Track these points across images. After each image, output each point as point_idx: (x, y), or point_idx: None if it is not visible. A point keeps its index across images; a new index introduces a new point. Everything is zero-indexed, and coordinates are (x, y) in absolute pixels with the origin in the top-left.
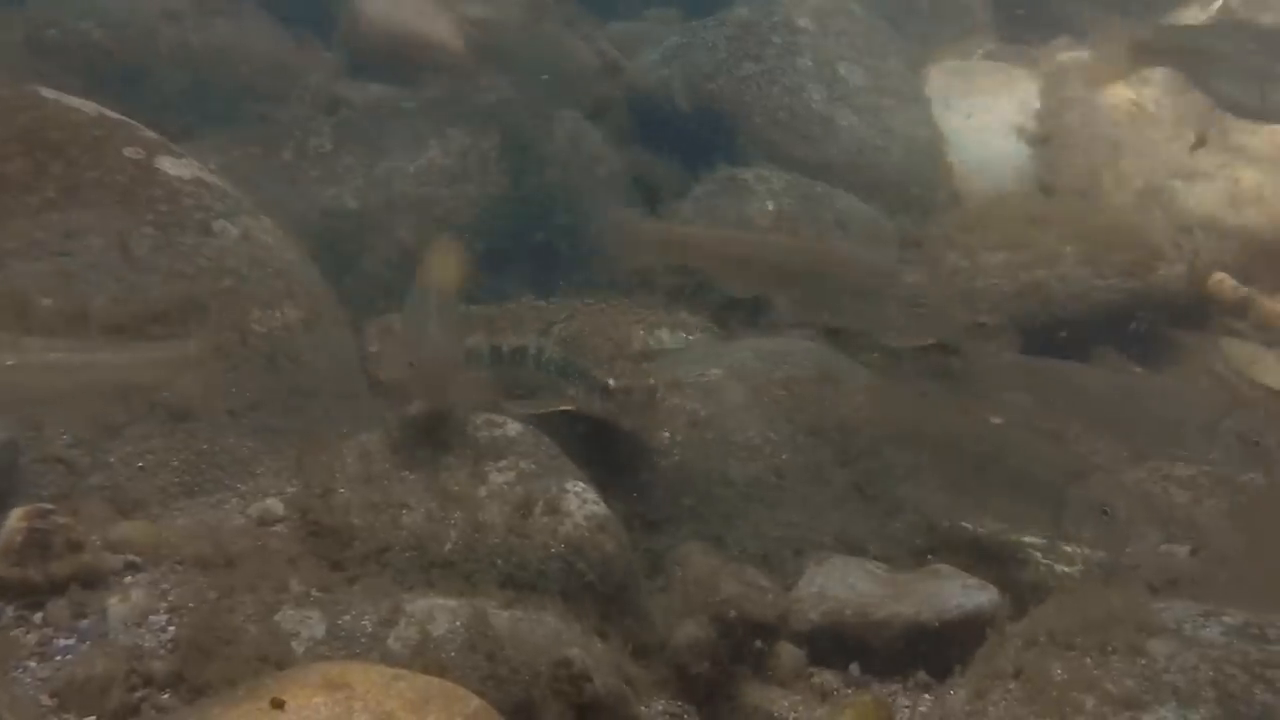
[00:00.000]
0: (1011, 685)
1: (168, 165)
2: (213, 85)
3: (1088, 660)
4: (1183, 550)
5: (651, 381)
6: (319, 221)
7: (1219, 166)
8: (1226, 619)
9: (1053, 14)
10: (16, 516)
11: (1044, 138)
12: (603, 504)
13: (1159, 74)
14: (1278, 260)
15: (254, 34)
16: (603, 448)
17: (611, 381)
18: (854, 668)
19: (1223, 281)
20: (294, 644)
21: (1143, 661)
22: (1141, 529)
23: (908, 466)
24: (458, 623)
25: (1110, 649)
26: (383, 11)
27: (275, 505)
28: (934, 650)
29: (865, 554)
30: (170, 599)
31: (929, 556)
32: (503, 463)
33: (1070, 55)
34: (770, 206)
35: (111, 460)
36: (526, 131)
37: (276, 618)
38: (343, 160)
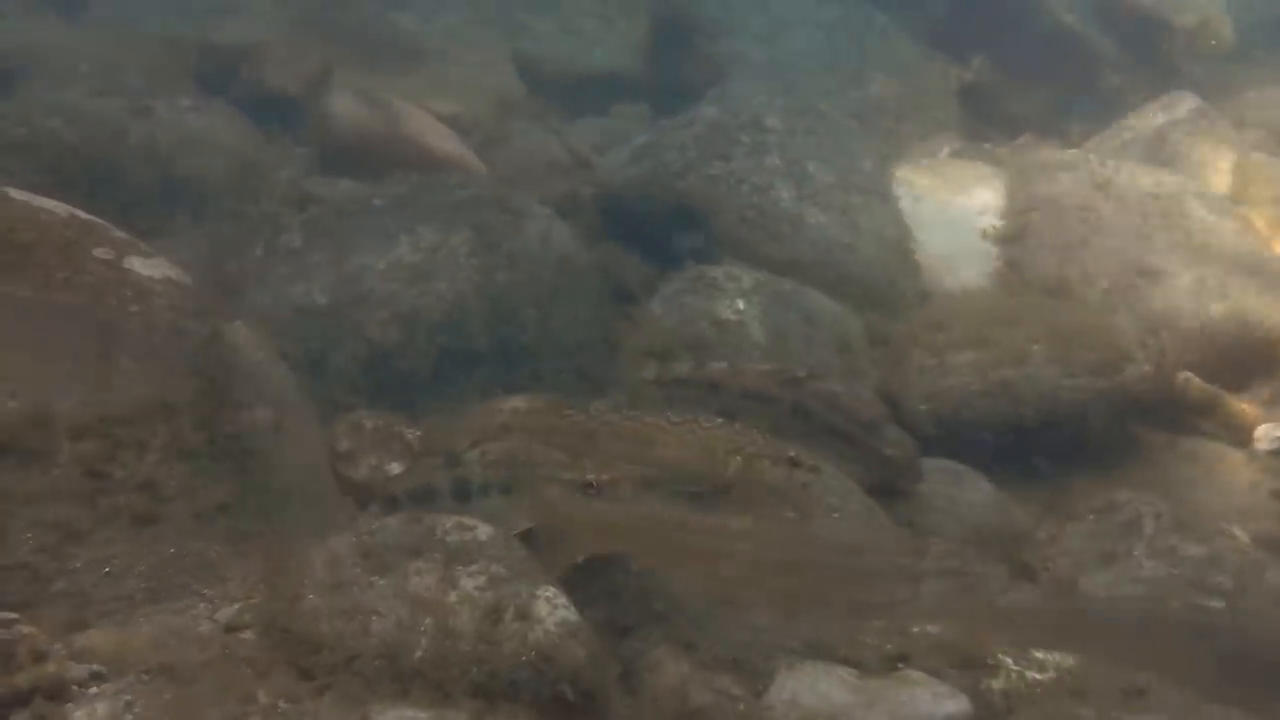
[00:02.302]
0: None
1: (138, 265)
2: (182, 182)
3: None
4: None
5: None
6: (288, 318)
7: (1184, 265)
8: None
9: (1016, 113)
10: None
11: (1011, 236)
12: (574, 610)
13: (1125, 172)
14: (1243, 359)
15: (223, 130)
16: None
17: (591, 477)
18: None
19: (1189, 380)
20: None
21: None
22: None
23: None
24: None
25: None
26: (352, 109)
27: (243, 612)
28: None
29: (836, 659)
30: (135, 712)
31: (899, 665)
32: (473, 567)
33: (1035, 154)
34: (740, 305)
35: (77, 566)
36: (497, 228)
37: None
38: (312, 257)
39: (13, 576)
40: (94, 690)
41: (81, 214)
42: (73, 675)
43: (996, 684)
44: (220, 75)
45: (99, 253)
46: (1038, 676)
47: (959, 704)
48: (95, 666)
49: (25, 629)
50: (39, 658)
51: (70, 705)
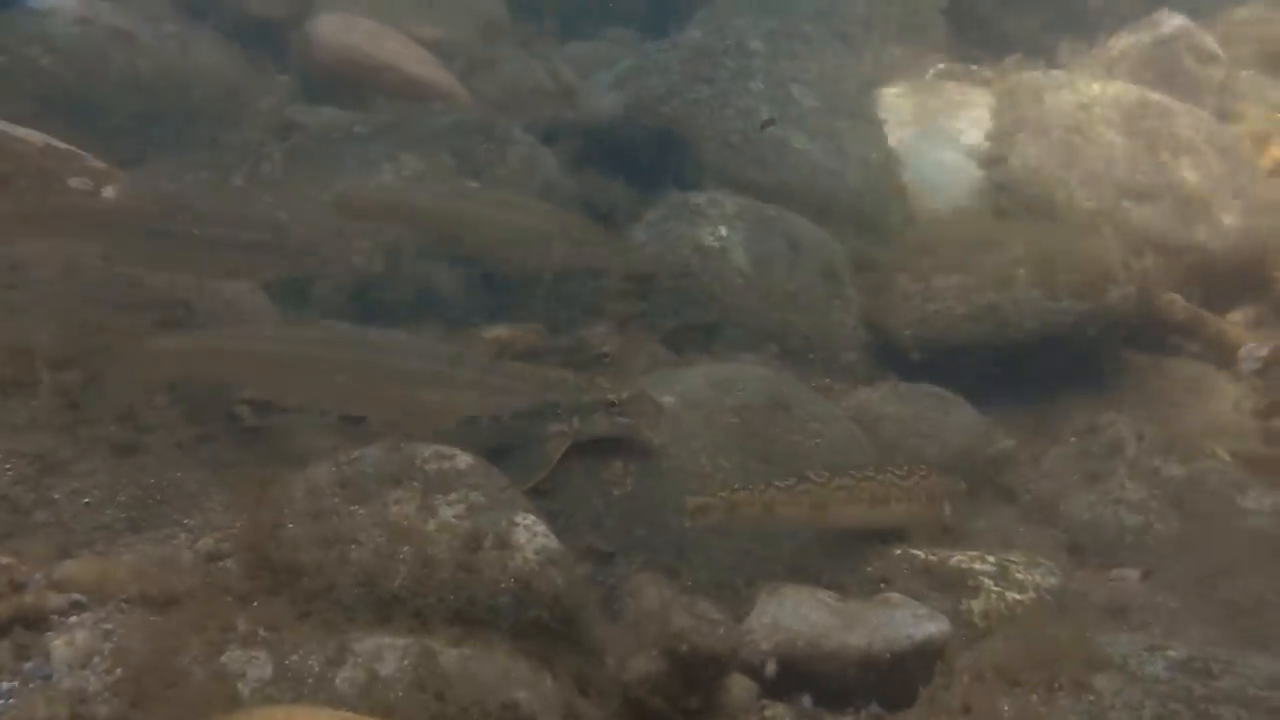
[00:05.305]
0: None
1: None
2: (164, 110)
3: (1034, 697)
4: (1133, 574)
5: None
6: None
7: (1170, 186)
8: (1171, 653)
9: (1004, 32)
10: None
11: (997, 158)
12: (553, 537)
13: (1111, 93)
14: (1227, 280)
15: (206, 57)
16: (553, 478)
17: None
18: (806, 700)
19: (1173, 302)
20: (240, 685)
21: (1090, 698)
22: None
23: None
24: (405, 662)
25: (1057, 685)
26: (335, 35)
27: (223, 540)
28: (886, 681)
29: (817, 582)
30: (115, 640)
31: (881, 585)
32: (452, 495)
33: (1022, 75)
34: (723, 231)
35: (56, 496)
36: (480, 155)
37: (223, 659)
38: (295, 185)
39: None
40: (74, 619)
41: (59, 143)
42: (52, 605)
43: (977, 605)
44: (203, 1)
45: (76, 182)
46: (1018, 597)
47: (939, 625)
48: (75, 596)
49: (4, 559)
50: (18, 588)
51: (50, 634)
